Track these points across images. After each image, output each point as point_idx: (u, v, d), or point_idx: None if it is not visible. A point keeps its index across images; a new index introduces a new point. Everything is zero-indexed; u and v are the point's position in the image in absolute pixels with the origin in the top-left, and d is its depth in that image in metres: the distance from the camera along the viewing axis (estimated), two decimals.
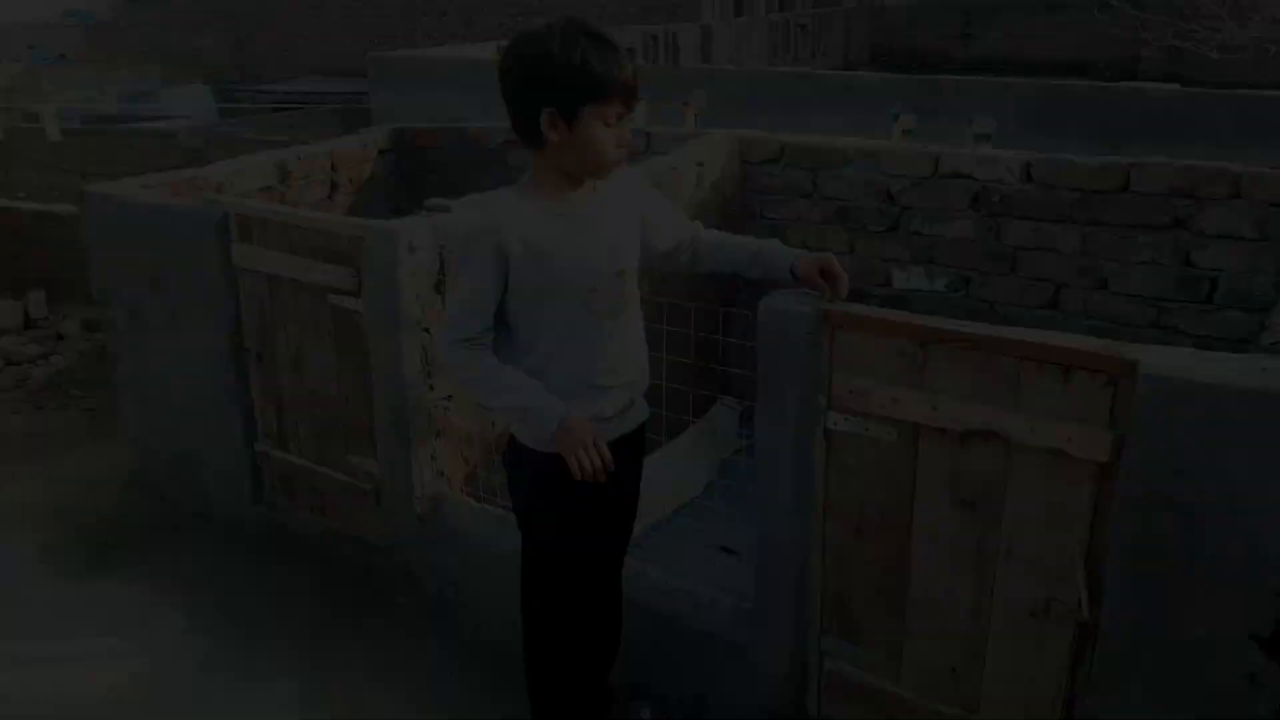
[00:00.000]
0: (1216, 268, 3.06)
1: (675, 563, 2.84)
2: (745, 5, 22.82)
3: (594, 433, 1.85)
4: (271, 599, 3.07)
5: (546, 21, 1.77)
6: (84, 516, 3.61)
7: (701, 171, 3.72)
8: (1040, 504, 1.85)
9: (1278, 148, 4.91)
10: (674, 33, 15.75)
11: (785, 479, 2.14)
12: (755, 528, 2.24)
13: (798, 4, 24.78)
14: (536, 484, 1.98)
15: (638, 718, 2.43)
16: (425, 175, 4.64)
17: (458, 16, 24.71)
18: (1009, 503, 1.89)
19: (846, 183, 3.74)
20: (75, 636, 2.95)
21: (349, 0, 26.29)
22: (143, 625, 2.98)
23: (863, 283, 3.81)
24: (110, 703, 2.67)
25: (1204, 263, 3.08)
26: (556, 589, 2.06)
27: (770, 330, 2.05)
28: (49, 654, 2.88)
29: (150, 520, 3.57)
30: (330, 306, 2.92)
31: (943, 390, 1.91)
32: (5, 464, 4.06)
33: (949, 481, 1.95)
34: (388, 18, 25.89)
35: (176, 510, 3.62)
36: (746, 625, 2.33)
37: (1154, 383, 1.66)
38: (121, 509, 3.66)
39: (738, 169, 3.97)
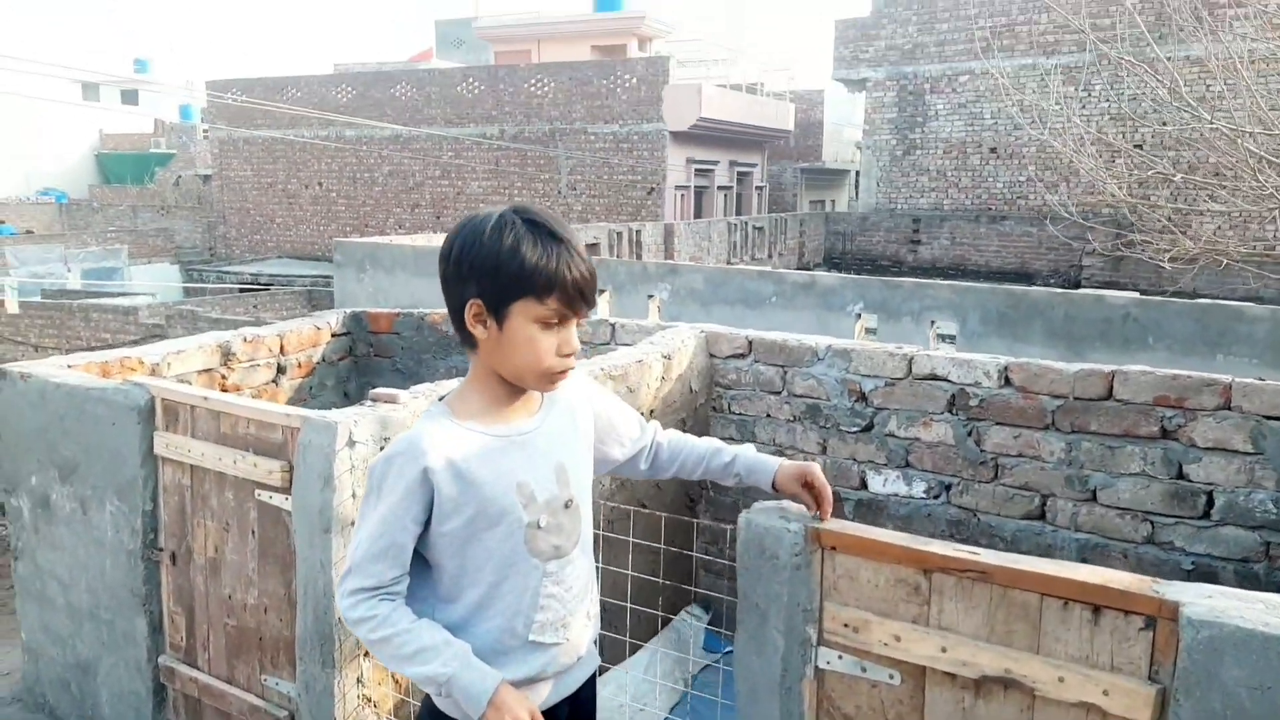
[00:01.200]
0: (1211, 481, 2.90)
1: None
2: (704, 208, 23.88)
3: (532, 710, 1.50)
4: None
5: (504, 208, 1.54)
6: None
7: (668, 365, 3.57)
8: None
9: (1241, 356, 4.93)
10: (638, 230, 16.24)
11: None
12: None
13: (754, 208, 26.01)
14: None
15: None
16: (380, 360, 4.45)
17: (429, 209, 25.49)
18: None
19: (817, 381, 3.60)
20: None
21: (321, 190, 27.12)
22: None
23: (836, 485, 3.61)
24: None
25: (1198, 476, 2.92)
26: None
27: (751, 550, 1.81)
28: None
29: None
30: (257, 503, 2.63)
31: (952, 628, 1.65)
32: None
33: None
34: (360, 207, 26.64)
35: None
36: None
37: (1200, 629, 1.42)
38: None
39: (705, 363, 3.83)
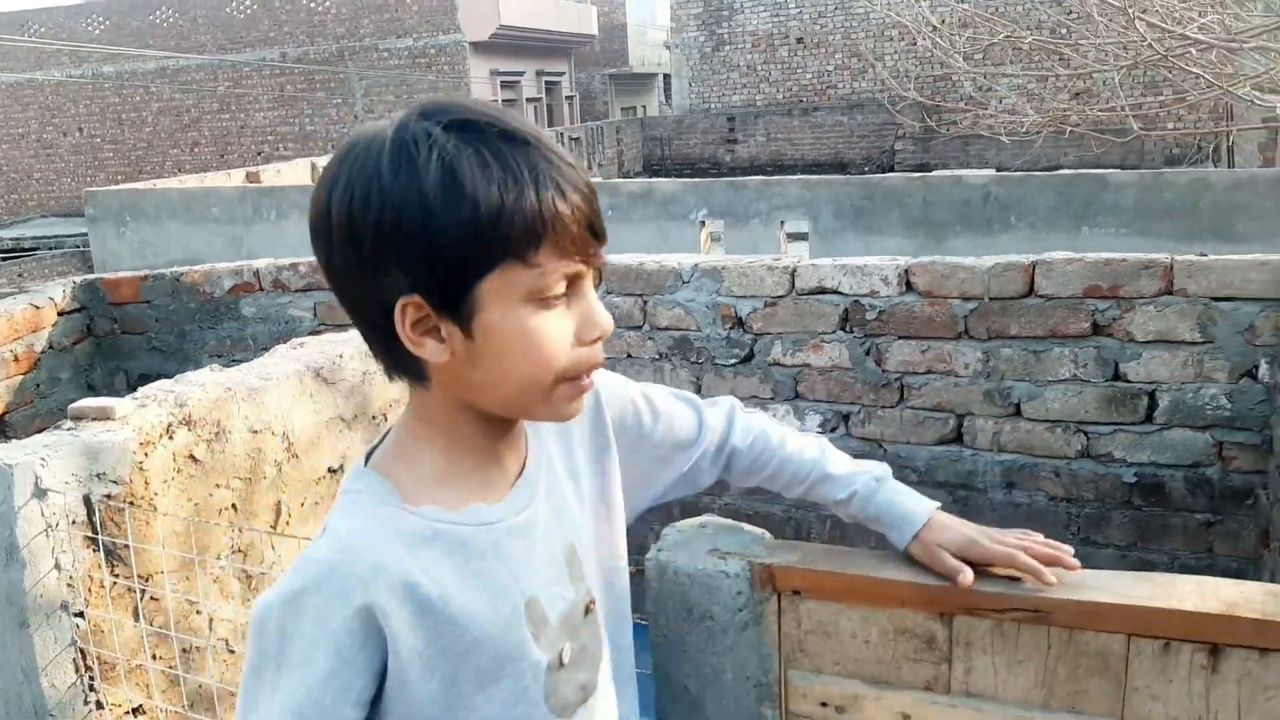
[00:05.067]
0: (1153, 380, 2.49)
1: None
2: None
3: None
4: None
5: (402, 114, 0.80)
6: None
7: None
8: None
9: (1107, 227, 4.69)
10: None
11: None
12: None
13: (566, 119, 25.02)
14: None
15: None
16: (130, 338, 3.52)
17: (211, 147, 23.24)
18: None
19: (684, 309, 2.98)
20: None
21: (83, 137, 24.21)
22: None
23: None
24: None
25: (1137, 375, 2.51)
26: None
27: (669, 609, 1.18)
28: None
29: None
30: None
31: (988, 694, 1.09)
32: None
33: None
34: (131, 152, 24.00)
35: None
36: None
37: None
38: None
39: None
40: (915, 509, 1.07)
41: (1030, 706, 1.07)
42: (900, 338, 2.74)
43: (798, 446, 1.12)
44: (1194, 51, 5.05)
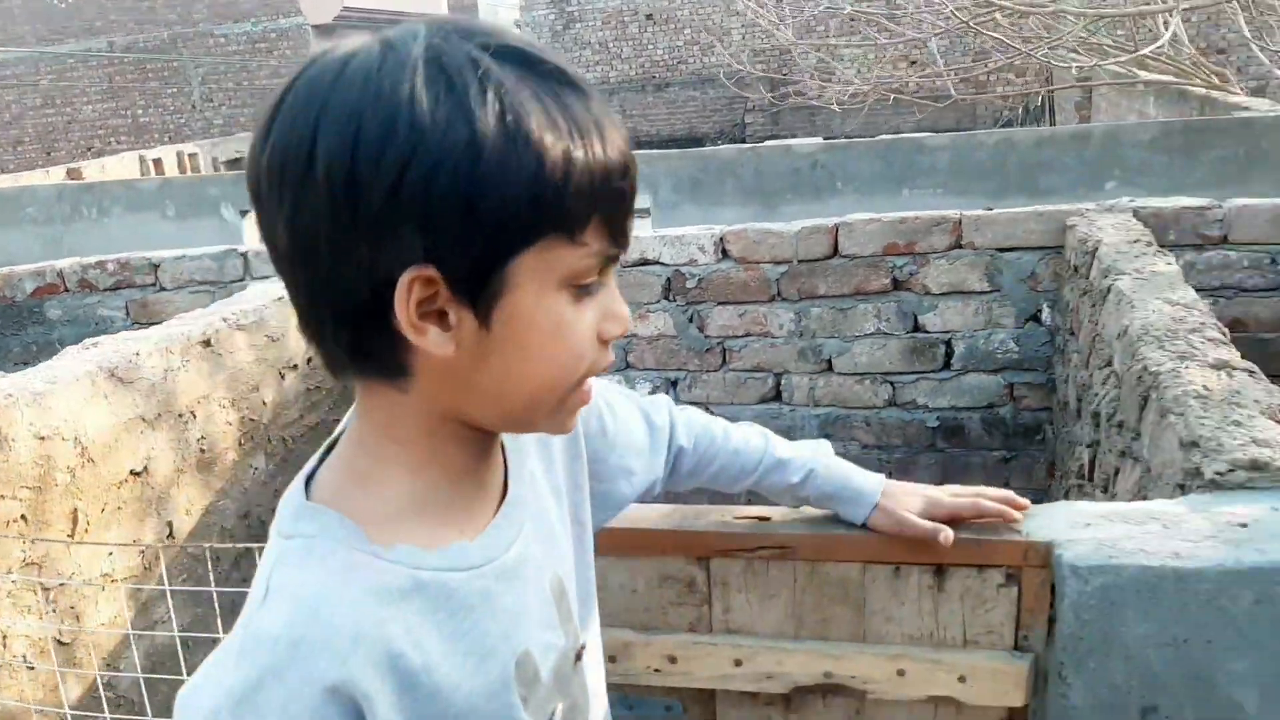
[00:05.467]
0: (949, 329, 2.65)
1: None
2: None
3: None
4: None
5: (422, 30, 0.60)
6: None
7: None
8: None
9: (925, 188, 4.92)
10: None
11: None
12: None
13: None
14: None
15: None
16: None
17: (35, 145, 21.73)
18: None
19: None
20: None
21: None
22: None
23: None
24: None
25: (935, 325, 2.66)
26: None
27: None
28: None
29: None
30: None
31: (746, 629, 1.15)
32: None
33: None
34: None
35: None
36: None
37: (1089, 578, 1.01)
38: None
39: None
40: (869, 481, 1.05)
41: (783, 637, 1.14)
42: (719, 303, 2.83)
43: (742, 437, 1.05)
44: (999, 17, 5.32)
